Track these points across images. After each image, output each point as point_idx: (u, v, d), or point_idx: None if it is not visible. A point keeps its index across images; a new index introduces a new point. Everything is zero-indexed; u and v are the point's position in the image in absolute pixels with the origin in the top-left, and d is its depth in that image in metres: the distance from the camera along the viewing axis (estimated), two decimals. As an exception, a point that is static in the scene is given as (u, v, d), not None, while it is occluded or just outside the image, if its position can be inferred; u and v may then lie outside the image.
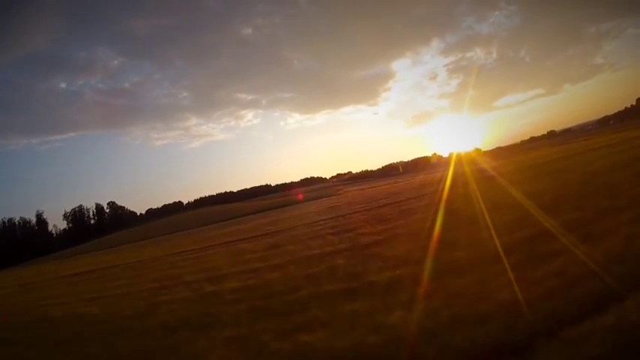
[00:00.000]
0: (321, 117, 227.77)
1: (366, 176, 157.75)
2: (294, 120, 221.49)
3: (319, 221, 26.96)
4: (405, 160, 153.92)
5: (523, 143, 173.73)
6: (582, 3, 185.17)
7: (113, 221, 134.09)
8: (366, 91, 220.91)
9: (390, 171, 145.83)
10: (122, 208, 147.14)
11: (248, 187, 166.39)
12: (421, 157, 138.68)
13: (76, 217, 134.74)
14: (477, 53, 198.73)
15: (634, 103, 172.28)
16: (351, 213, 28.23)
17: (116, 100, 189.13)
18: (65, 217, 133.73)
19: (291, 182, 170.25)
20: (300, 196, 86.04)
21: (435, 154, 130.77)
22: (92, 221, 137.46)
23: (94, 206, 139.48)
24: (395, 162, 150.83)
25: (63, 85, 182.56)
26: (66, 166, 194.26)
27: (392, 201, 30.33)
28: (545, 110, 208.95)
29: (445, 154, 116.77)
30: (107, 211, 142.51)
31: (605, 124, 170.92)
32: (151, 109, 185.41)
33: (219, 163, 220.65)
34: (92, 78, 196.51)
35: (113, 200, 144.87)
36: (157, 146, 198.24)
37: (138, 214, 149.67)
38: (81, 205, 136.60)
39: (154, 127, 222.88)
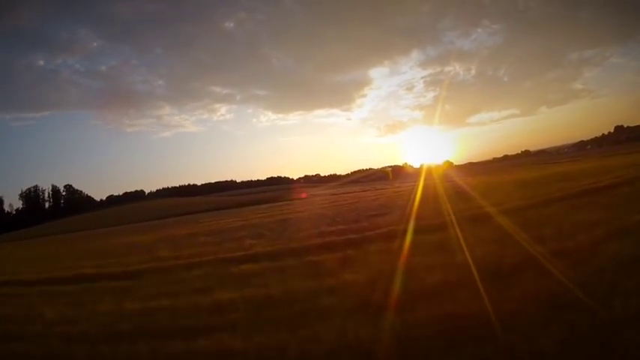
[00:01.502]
0: (294, 117, 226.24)
1: (333, 180, 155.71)
2: (267, 118, 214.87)
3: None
4: (375, 168, 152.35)
5: (496, 160, 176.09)
6: (567, 28, 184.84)
7: (68, 205, 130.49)
8: (341, 95, 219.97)
9: (360, 178, 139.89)
10: (79, 192, 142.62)
11: (212, 181, 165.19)
12: (393, 166, 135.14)
13: (31, 197, 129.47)
14: (456, 68, 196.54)
15: (611, 130, 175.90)
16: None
17: (92, 82, 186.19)
18: (21, 196, 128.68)
19: (257, 180, 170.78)
20: (304, 195, 76.51)
21: (406, 163, 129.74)
22: (47, 203, 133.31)
23: (50, 188, 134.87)
24: (384, 167, 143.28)
25: (41, 63, 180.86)
26: (36, 144, 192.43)
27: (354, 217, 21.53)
28: (519, 130, 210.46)
29: (416, 165, 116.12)
30: (63, 194, 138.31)
31: (581, 148, 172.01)
32: (126, 95, 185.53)
33: (187, 155, 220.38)
34: (71, 58, 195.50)
35: (70, 183, 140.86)
36: (128, 133, 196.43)
37: (98, 199, 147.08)
38: (36, 186, 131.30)
39: (126, 113, 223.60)
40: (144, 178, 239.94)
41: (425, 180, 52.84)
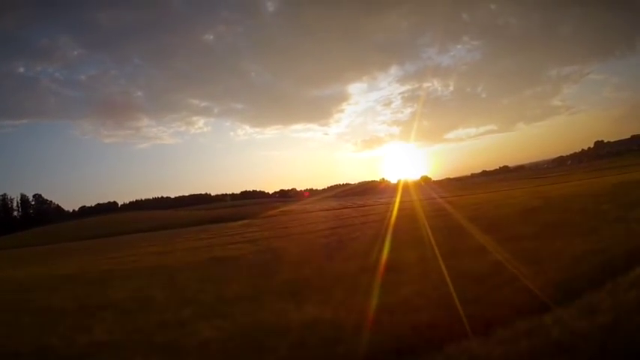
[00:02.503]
0: (271, 131, 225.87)
1: (311, 194, 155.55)
2: (244, 132, 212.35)
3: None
4: (353, 183, 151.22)
5: (474, 176, 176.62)
6: (547, 45, 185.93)
7: (37, 215, 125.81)
8: (319, 110, 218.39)
9: (339, 193, 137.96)
10: (49, 202, 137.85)
11: (186, 194, 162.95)
12: (370, 181, 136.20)
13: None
14: (434, 84, 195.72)
15: (591, 146, 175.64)
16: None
17: (71, 91, 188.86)
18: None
19: (232, 194, 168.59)
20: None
21: (383, 179, 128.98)
22: (15, 213, 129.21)
23: (19, 197, 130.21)
24: (362, 182, 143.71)
25: (21, 70, 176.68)
26: (13, 152, 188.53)
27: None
28: (497, 146, 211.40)
29: (393, 180, 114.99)
30: (32, 203, 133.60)
31: (561, 163, 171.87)
32: (104, 106, 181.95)
33: (164, 168, 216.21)
34: (50, 66, 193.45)
35: (40, 193, 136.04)
36: (106, 144, 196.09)
37: (70, 210, 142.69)
38: (5, 194, 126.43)
39: (104, 124, 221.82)
40: (118, 190, 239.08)
41: (402, 197, 49.07)
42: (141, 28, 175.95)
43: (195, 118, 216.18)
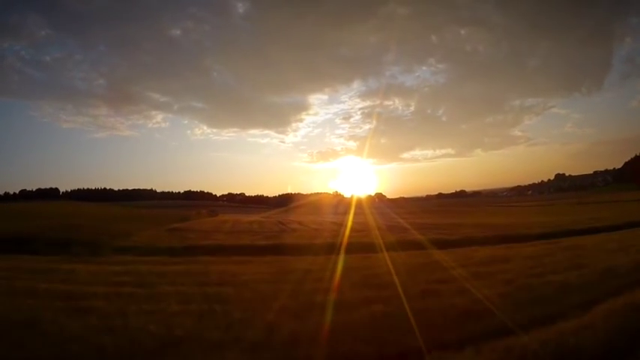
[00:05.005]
0: (228, 134, 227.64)
1: (259, 202, 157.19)
2: (201, 131, 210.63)
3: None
4: (304, 193, 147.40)
5: (430, 198, 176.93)
6: (513, 75, 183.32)
7: None
8: (278, 117, 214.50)
9: (282, 202, 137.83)
10: None
11: (130, 188, 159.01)
12: (321, 193, 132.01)
13: None
14: (396, 103, 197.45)
15: (552, 178, 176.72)
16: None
17: (35, 71, 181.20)
18: None
19: (177, 192, 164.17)
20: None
21: (336, 192, 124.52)
22: None
23: None
24: (313, 193, 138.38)
25: None
26: None
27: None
28: (453, 170, 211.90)
29: (347, 194, 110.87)
30: None
31: (521, 193, 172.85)
32: (65, 89, 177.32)
33: (116, 159, 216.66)
34: (17, 44, 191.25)
35: None
36: (64, 129, 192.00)
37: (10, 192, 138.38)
38: None
39: (63, 108, 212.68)
40: (64, 176, 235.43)
41: (357, 214, 41.48)
42: (109, 16, 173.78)
43: (153, 113, 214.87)
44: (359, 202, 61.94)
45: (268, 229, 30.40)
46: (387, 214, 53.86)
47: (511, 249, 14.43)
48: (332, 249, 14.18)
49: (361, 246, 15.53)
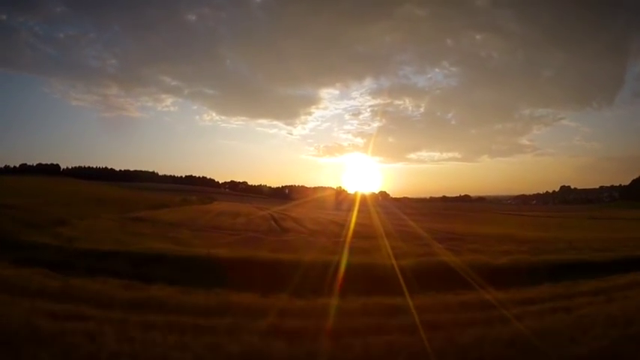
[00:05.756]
0: (236, 122, 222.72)
1: (261, 191, 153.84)
2: (210, 118, 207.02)
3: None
4: (308, 186, 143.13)
5: (434, 200, 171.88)
6: (525, 84, 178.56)
7: None
8: (288, 109, 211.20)
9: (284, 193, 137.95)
10: None
11: (132, 169, 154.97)
12: (325, 188, 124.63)
13: None
14: (406, 103, 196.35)
15: (557, 189, 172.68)
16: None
17: (48, 47, 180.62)
18: None
19: (180, 177, 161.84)
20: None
21: (340, 187, 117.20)
22: None
23: None
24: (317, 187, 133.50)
25: (4, 17, 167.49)
26: None
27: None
28: (458, 174, 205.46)
29: (350, 190, 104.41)
30: None
31: (525, 202, 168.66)
32: (77, 67, 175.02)
33: (122, 140, 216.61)
34: (32, 19, 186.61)
35: None
36: (73, 106, 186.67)
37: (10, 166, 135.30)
38: None
39: (74, 86, 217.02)
40: (69, 153, 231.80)
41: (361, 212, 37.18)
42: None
43: (164, 96, 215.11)
44: (363, 199, 59.81)
45: (255, 226, 25.27)
46: (393, 213, 49.65)
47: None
48: (324, 277, 9.01)
49: (367, 271, 10.31)
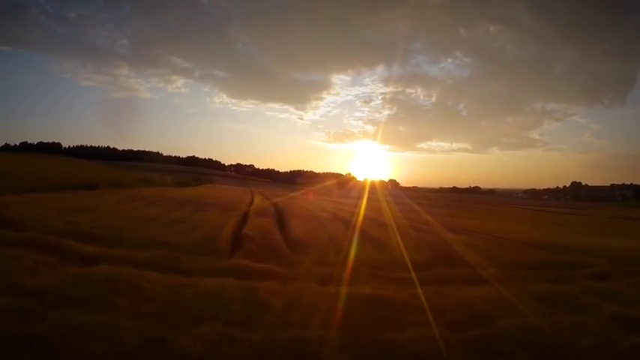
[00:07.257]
0: (247, 105, 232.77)
1: (268, 175, 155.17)
2: (220, 100, 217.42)
3: None
4: (317, 171, 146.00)
5: (444, 191, 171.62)
6: (538, 78, 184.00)
7: None
8: (298, 94, 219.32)
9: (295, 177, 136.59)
10: None
11: (135, 149, 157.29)
12: (334, 174, 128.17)
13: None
14: (417, 92, 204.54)
15: (567, 185, 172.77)
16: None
17: (58, 26, 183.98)
18: None
19: (183, 158, 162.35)
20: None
21: (349, 174, 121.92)
22: None
23: None
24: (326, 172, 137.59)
25: None
26: None
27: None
28: (467, 165, 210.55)
29: (360, 178, 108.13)
30: None
31: (537, 196, 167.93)
32: (88, 47, 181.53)
33: (131, 120, 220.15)
34: None
35: None
36: (83, 86, 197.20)
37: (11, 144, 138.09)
38: None
39: (84, 66, 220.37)
40: (74, 133, 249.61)
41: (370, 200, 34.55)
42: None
43: (174, 77, 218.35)
44: (372, 187, 57.95)
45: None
46: (405, 203, 46.83)
47: None
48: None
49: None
